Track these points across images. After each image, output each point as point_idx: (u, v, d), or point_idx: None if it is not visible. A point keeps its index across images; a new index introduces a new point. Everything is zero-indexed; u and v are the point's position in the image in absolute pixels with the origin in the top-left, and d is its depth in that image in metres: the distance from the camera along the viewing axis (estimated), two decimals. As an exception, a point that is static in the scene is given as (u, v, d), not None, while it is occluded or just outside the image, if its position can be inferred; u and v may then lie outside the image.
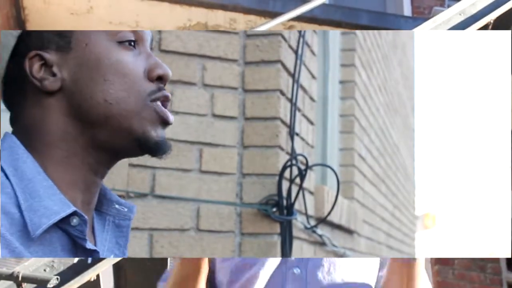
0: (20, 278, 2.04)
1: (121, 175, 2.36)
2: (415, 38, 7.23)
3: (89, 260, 2.14)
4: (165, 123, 1.05)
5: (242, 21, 3.73)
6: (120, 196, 2.35)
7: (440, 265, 4.16)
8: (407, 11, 5.28)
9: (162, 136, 1.05)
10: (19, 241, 0.94)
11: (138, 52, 1.07)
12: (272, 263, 1.47)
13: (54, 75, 1.03)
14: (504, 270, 4.19)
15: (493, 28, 2.90)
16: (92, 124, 1.02)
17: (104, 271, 2.23)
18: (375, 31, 4.48)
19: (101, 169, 1.07)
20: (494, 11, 2.87)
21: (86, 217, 1.00)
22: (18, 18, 3.74)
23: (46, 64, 1.03)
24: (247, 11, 3.72)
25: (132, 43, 1.06)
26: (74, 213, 0.98)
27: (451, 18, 2.86)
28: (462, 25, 2.86)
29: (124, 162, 2.37)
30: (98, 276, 2.19)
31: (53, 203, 0.97)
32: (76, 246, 1.00)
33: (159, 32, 2.48)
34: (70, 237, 0.99)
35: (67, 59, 1.03)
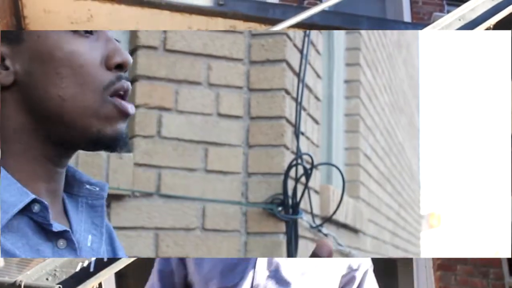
0: (22, 287, 2.04)
1: (126, 175, 2.36)
2: (420, 40, 7.23)
3: (92, 268, 2.14)
4: (124, 116, 1.02)
5: (242, 28, 3.74)
6: (125, 195, 2.35)
7: (443, 271, 4.16)
8: (407, 17, 5.28)
9: (119, 132, 1.01)
10: None
11: (96, 37, 1.02)
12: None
13: (6, 68, 0.99)
14: (507, 276, 4.18)
15: (492, 34, 2.91)
16: (47, 119, 0.99)
17: (106, 279, 2.23)
18: (380, 30, 4.47)
19: (61, 160, 1.04)
20: (493, 16, 2.87)
21: (46, 203, 0.97)
22: (19, 26, 3.75)
23: None
24: (246, 18, 3.73)
25: (89, 30, 1.02)
26: (33, 201, 0.97)
27: (451, 23, 2.87)
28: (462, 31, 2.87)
29: (129, 161, 2.37)
30: (100, 284, 2.19)
31: (9, 195, 0.95)
32: (45, 229, 0.98)
33: (164, 31, 2.48)
34: (35, 222, 0.98)
35: (20, 51, 0.99)
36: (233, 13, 3.72)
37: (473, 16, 2.88)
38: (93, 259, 2.13)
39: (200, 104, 2.48)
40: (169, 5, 3.71)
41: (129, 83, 1.03)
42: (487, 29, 2.88)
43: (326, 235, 2.99)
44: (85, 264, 2.14)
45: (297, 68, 2.66)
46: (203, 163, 2.45)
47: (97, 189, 1.09)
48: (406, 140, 6.05)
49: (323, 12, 3.43)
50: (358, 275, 1.49)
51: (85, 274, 2.14)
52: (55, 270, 2.12)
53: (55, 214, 1.02)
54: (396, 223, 5.21)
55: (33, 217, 0.97)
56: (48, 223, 0.98)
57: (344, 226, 3.36)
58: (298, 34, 2.70)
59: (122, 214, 2.34)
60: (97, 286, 2.17)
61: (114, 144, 1.01)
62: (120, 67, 1.02)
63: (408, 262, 4.41)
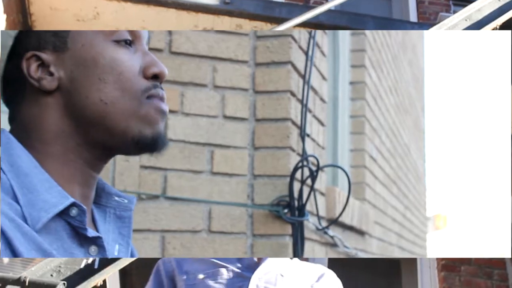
0: (27, 283, 2.04)
1: (132, 177, 2.37)
2: (425, 40, 7.22)
3: (96, 265, 2.15)
4: (163, 114, 1.06)
5: (248, 27, 3.74)
6: (131, 198, 2.36)
7: (446, 272, 4.16)
8: (412, 17, 5.27)
9: (158, 132, 1.06)
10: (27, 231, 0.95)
11: (134, 50, 1.07)
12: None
13: (51, 74, 1.04)
14: (511, 277, 4.17)
15: (498, 34, 2.90)
16: (88, 123, 1.03)
17: (111, 276, 2.23)
18: (385, 31, 4.47)
19: (98, 164, 1.08)
20: (500, 16, 2.86)
21: (84, 207, 1.01)
22: (25, 24, 3.76)
23: (43, 64, 1.04)
24: (253, 17, 3.74)
25: (128, 42, 1.07)
26: (72, 204, 1.00)
27: (457, 23, 2.85)
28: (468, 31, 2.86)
29: (135, 164, 2.37)
30: (104, 281, 2.19)
31: (51, 196, 0.99)
32: (79, 234, 1.02)
33: (170, 33, 2.48)
34: (72, 226, 1.01)
35: (64, 58, 1.04)
36: (239, 12, 3.72)
37: (480, 16, 2.87)
38: (97, 256, 2.13)
39: (206, 106, 2.48)
40: (175, 3, 3.71)
41: (164, 92, 1.08)
42: (493, 29, 2.86)
43: (332, 237, 2.98)
44: (90, 261, 2.14)
45: (302, 70, 2.66)
46: (209, 165, 2.46)
47: (126, 201, 1.13)
48: (412, 141, 6.04)
49: (329, 11, 3.43)
50: None
51: (90, 271, 2.14)
52: (59, 267, 2.12)
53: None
54: (402, 224, 5.20)
55: (70, 221, 1.00)
56: (84, 227, 1.01)
57: (350, 228, 3.35)
58: (303, 36, 2.70)
59: (128, 217, 2.34)
60: (102, 283, 2.17)
61: (155, 144, 1.06)
62: (156, 77, 1.07)
63: (412, 263, 4.40)
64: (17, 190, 0.97)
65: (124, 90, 1.03)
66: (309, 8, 3.34)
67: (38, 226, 0.96)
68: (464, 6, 2.99)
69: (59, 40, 1.05)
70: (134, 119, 1.04)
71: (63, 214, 1.00)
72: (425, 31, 2.93)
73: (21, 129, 1.05)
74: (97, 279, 2.13)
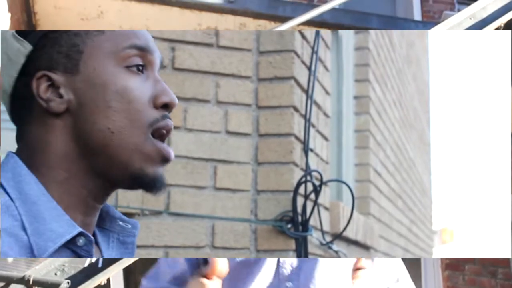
0: (31, 282, 2.05)
1: (135, 193, 2.37)
2: (429, 40, 7.18)
3: (100, 263, 2.15)
4: (165, 160, 1.04)
5: (252, 26, 3.74)
6: (135, 214, 2.36)
7: (451, 271, 4.14)
8: (417, 15, 5.26)
9: (159, 174, 1.04)
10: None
11: (146, 77, 1.05)
12: (265, 275, 1.51)
13: (61, 96, 1.03)
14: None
15: (503, 32, 2.88)
16: (93, 150, 1.02)
17: (114, 275, 2.24)
18: (389, 45, 4.47)
19: (100, 195, 1.06)
20: (504, 14, 2.85)
21: (92, 237, 1.00)
22: (29, 23, 3.77)
23: (53, 85, 1.03)
24: (256, 15, 3.73)
25: (141, 68, 1.05)
26: (80, 234, 0.99)
27: (462, 22, 2.84)
28: (473, 29, 2.84)
29: (138, 180, 2.37)
30: (108, 280, 2.20)
31: (58, 225, 0.98)
32: None
33: (172, 49, 2.49)
34: (79, 255, 1.01)
35: (75, 81, 1.03)
36: (243, 11, 3.72)
37: (484, 14, 2.85)
38: (101, 254, 2.14)
39: (209, 122, 2.49)
40: (179, 2, 3.71)
41: (172, 123, 1.07)
42: (497, 27, 2.84)
43: (336, 252, 2.97)
44: (93, 260, 2.14)
45: (305, 85, 2.67)
46: (212, 180, 2.46)
47: (130, 226, 1.12)
48: (417, 155, 6.03)
49: (333, 10, 3.42)
50: None
51: (94, 269, 2.15)
52: (63, 265, 2.13)
53: None
54: (407, 239, 5.18)
55: (77, 250, 1.00)
56: (92, 257, 1.01)
57: (355, 242, 3.34)
58: (306, 51, 2.70)
59: (132, 233, 2.34)
60: (105, 281, 2.17)
61: (153, 184, 1.04)
62: (166, 106, 1.06)
63: (416, 261, 4.38)
64: (24, 218, 0.96)
65: (132, 121, 1.01)
66: (313, 6, 3.33)
67: (44, 256, 0.95)
68: (469, 4, 2.97)
69: (71, 62, 1.03)
70: (137, 154, 1.02)
71: (70, 243, 0.98)
72: (429, 31, 2.90)
73: (27, 150, 1.03)
74: (101, 278, 2.14)
